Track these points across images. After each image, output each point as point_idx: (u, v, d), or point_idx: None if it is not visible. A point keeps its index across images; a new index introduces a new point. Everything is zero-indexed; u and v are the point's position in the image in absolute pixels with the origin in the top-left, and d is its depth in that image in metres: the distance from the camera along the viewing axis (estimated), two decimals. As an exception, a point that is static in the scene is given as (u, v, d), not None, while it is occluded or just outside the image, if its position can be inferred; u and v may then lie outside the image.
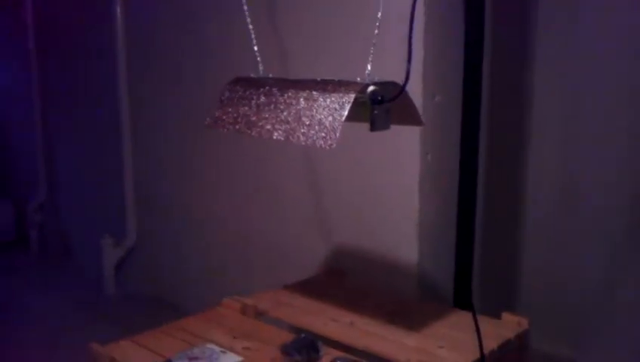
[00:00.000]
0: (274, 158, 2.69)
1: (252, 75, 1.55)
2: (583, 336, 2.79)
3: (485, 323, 1.54)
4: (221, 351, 1.50)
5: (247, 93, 1.47)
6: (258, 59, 1.56)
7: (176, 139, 3.20)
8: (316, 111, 1.31)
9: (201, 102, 2.98)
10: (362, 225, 2.40)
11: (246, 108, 1.46)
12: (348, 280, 2.08)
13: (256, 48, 1.56)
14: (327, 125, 1.28)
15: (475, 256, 2.25)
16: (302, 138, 1.31)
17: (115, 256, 3.73)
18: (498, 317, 1.68)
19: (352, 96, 1.29)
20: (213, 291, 2.19)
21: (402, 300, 1.93)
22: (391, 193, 2.32)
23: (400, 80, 1.35)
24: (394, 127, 1.53)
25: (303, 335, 1.53)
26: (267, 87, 1.44)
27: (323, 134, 1.28)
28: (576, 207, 2.77)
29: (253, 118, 1.42)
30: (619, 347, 2.72)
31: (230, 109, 1.48)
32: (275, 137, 1.36)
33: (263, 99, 1.43)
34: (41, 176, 4.42)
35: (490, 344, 1.51)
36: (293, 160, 2.59)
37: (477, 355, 1.49)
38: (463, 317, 1.77)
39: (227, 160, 2.91)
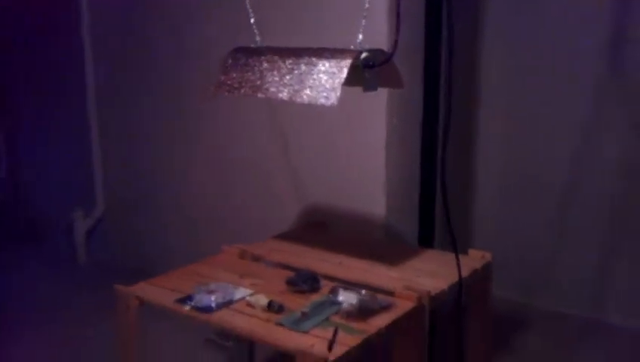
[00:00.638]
0: (248, 128, 2.88)
1: (252, 45, 1.76)
2: (530, 283, 3.15)
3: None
4: (233, 286, 1.71)
5: (250, 60, 1.68)
6: (255, 31, 1.76)
7: (146, 108, 3.33)
8: (317, 75, 1.54)
9: (173, 72, 3.14)
10: (334, 185, 2.64)
11: (249, 73, 1.67)
12: (327, 231, 2.31)
13: (252, 21, 1.77)
14: (328, 86, 1.51)
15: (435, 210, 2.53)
16: (305, 98, 1.54)
17: (85, 226, 3.82)
18: (466, 253, 1.96)
19: (349, 61, 1.52)
20: (184, 255, 2.22)
21: (379, 244, 2.19)
22: (360, 154, 2.57)
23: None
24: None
25: (303, 270, 1.76)
26: (269, 55, 1.65)
27: (325, 94, 1.51)
28: (523, 169, 3.13)
29: (258, 83, 1.63)
30: (563, 291, 3.09)
31: (234, 75, 1.69)
32: (280, 97, 1.58)
33: (265, 65, 1.64)
34: (1, 147, 4.39)
35: (462, 273, 1.78)
36: (266, 127, 2.80)
37: (450, 281, 1.76)
38: (433, 254, 2.05)
39: (202, 130, 3.08)
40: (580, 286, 3.06)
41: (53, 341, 2.88)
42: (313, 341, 1.42)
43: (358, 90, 1.73)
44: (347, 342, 1.43)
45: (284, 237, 2.19)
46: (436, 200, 2.52)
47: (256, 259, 1.98)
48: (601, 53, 2.77)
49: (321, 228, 2.32)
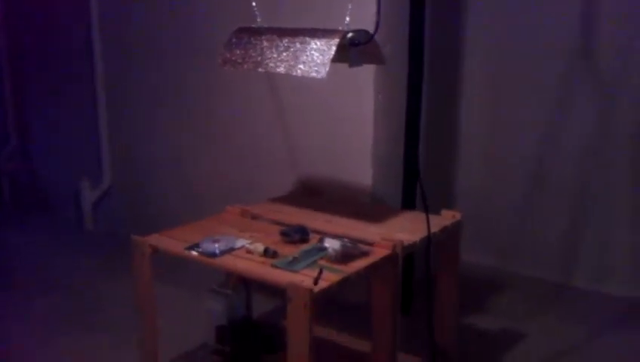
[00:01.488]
0: (246, 105, 3.13)
1: (253, 26, 2.00)
2: (504, 250, 3.42)
3: (430, 217, 2.06)
4: (235, 237, 1.97)
5: (252, 39, 1.93)
6: (256, 12, 2.01)
7: (152, 85, 3.57)
8: (309, 52, 1.79)
9: (177, 53, 3.37)
10: (325, 156, 2.90)
11: (251, 51, 1.91)
12: (319, 196, 2.57)
13: (254, 4, 2.01)
14: (319, 62, 1.76)
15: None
16: (299, 72, 1.78)
17: (92, 196, 4.05)
18: (439, 213, 2.21)
19: (337, 40, 1.77)
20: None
21: (365, 206, 2.45)
22: (350, 128, 2.82)
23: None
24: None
25: (295, 225, 2.02)
26: (268, 34, 1.90)
27: (316, 68, 1.76)
28: (501, 145, 3.39)
29: (259, 59, 1.88)
30: (535, 257, 3.36)
31: (238, 52, 1.93)
32: (277, 71, 1.82)
33: (265, 43, 1.89)
34: (10, 127, 4.58)
35: (433, 228, 2.04)
36: (265, 105, 3.04)
37: (422, 235, 2.01)
38: (411, 215, 2.31)
39: (204, 106, 3.33)
40: (551, 253, 3.34)
41: (64, 299, 3.14)
42: (302, 278, 1.68)
43: (349, 70, 1.98)
44: (330, 278, 1.69)
45: (280, 200, 2.45)
46: (419, 170, 2.77)
47: (255, 217, 2.24)
48: (572, 40, 3.03)
49: (313, 193, 2.57)
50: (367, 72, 2.61)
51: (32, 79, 4.41)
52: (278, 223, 2.16)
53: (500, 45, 3.22)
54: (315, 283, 1.64)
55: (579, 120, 3.10)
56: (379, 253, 1.86)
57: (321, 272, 1.70)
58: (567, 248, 3.26)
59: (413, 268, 2.79)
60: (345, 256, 1.79)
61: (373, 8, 2.50)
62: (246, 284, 2.31)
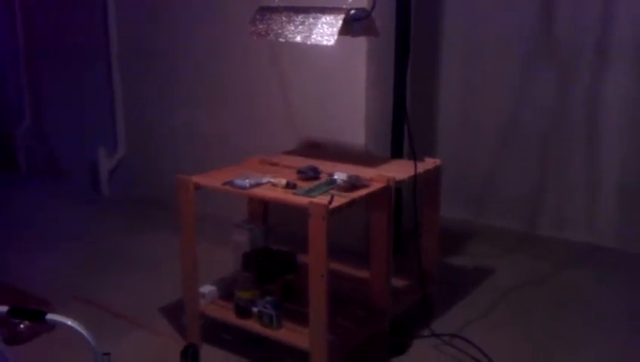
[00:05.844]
0: (253, 76, 3.60)
1: (272, 5, 2.47)
2: (478, 205, 3.92)
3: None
4: (261, 176, 2.44)
5: (273, 15, 2.40)
6: (275, -6, 2.48)
7: (161, 53, 4.00)
8: (321, 25, 2.26)
9: (189, 22, 3.80)
10: (324, 119, 3.38)
11: (273, 25, 2.38)
12: (322, 149, 3.05)
13: (273, -12, 2.48)
14: (329, 32, 2.24)
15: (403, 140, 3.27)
16: (313, 40, 2.26)
17: (108, 164, 4.47)
18: (423, 160, 2.70)
19: (343, 15, 2.25)
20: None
21: (361, 156, 2.94)
22: (345, 95, 3.30)
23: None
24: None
25: (308, 166, 2.50)
26: (285, 12, 2.37)
27: (327, 37, 2.23)
28: (473, 108, 3.89)
29: (280, 31, 2.35)
30: (503, 209, 3.87)
31: (262, 26, 2.40)
32: (295, 41, 2.30)
33: (284, 18, 2.36)
34: (25, 103, 4.91)
35: (418, 170, 2.53)
36: (269, 77, 3.51)
37: (410, 174, 2.51)
38: (399, 161, 2.81)
39: (211, 75, 3.78)
40: (517, 206, 3.85)
41: (91, 247, 3.57)
42: (319, 200, 2.16)
43: (347, 44, 2.45)
44: (340, 200, 2.18)
45: (291, 152, 2.92)
46: (407, 111, 3.21)
47: (273, 164, 2.70)
48: (537, 18, 3.53)
49: (317, 147, 3.06)
50: (360, 46, 3.09)
51: (46, 55, 4.73)
52: (292, 168, 2.63)
53: (475, 20, 3.72)
54: (329, 202, 2.12)
55: (542, 88, 3.61)
56: (376, 186, 2.35)
57: (332, 197, 2.19)
58: (532, 201, 3.78)
59: (401, 216, 3.28)
60: (351, 186, 2.28)
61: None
62: (264, 220, 2.79)
